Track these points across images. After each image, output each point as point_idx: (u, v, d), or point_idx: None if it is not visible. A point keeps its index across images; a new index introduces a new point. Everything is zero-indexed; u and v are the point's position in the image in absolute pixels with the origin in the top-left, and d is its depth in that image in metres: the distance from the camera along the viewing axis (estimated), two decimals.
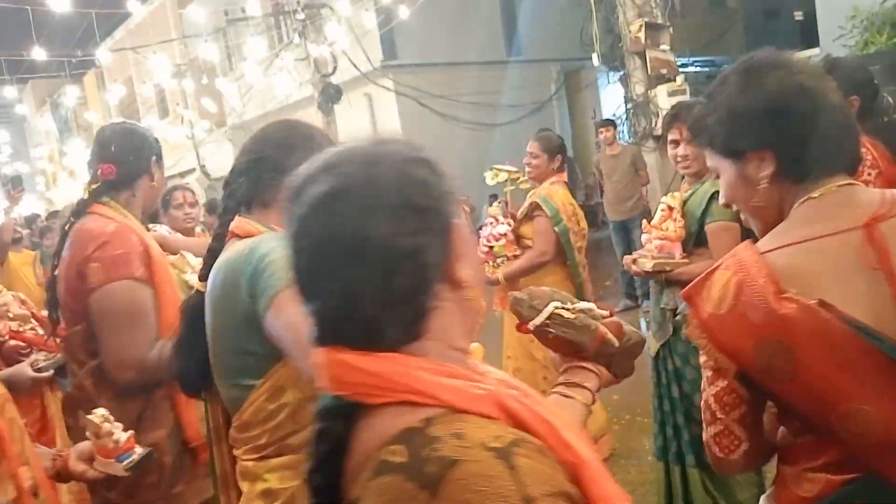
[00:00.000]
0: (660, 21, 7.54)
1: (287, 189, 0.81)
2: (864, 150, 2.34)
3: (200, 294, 1.48)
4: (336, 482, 0.75)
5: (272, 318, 1.28)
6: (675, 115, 2.76)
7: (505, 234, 3.61)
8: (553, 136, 3.78)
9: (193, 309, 1.49)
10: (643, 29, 7.33)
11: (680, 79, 7.64)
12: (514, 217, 3.68)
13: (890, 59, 5.38)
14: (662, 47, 7.56)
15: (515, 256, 3.62)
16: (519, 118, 12.95)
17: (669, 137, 2.76)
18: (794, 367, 1.02)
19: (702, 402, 1.17)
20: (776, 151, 1.13)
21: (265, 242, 1.36)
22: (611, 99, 13.00)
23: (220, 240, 1.49)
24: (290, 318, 1.24)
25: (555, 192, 3.60)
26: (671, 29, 7.68)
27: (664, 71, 7.49)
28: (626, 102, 7.84)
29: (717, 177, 1.28)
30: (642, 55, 7.45)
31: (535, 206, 3.60)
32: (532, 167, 3.67)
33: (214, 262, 1.47)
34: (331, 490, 0.76)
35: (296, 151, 1.43)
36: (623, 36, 7.56)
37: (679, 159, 2.72)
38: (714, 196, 2.61)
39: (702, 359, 1.14)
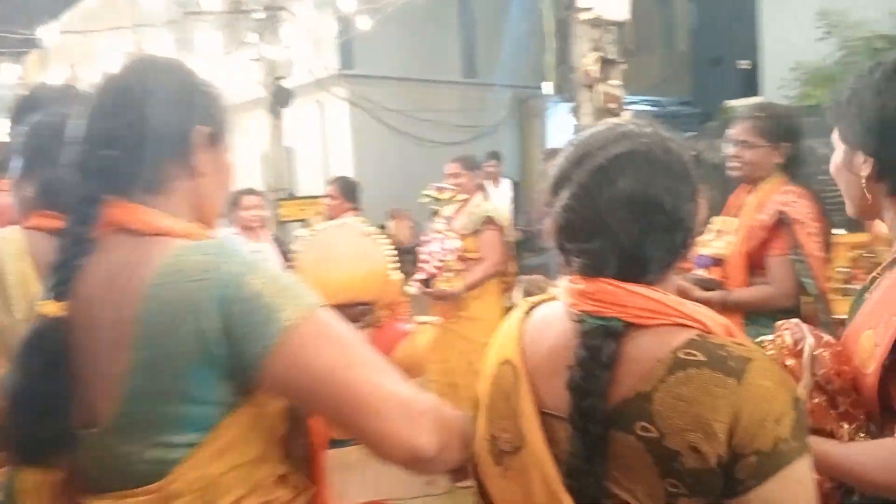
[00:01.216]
0: (613, 57, 7.73)
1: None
2: (804, 200, 2.39)
3: (54, 321, 1.00)
4: (600, 387, 0.92)
5: (288, 363, 0.96)
6: (554, 151, 2.85)
7: (457, 249, 3.71)
8: (473, 157, 4.27)
9: (47, 342, 1.00)
10: (597, 63, 7.50)
11: (626, 115, 7.83)
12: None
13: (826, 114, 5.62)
14: (613, 82, 7.73)
15: (460, 271, 3.73)
16: (470, 139, 13.02)
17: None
18: None
19: None
20: (879, 161, 1.19)
21: (226, 256, 0.99)
22: (560, 128, 13.21)
23: (80, 242, 1.03)
24: (331, 356, 0.97)
25: (499, 207, 3.86)
26: (625, 65, 7.88)
27: (612, 106, 7.66)
28: (575, 133, 7.98)
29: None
30: (593, 88, 7.62)
31: (488, 220, 3.81)
32: (458, 186, 3.92)
33: (72, 273, 1.02)
34: (596, 394, 0.92)
35: (186, 108, 1.08)
36: (576, 68, 7.71)
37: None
38: None
39: None
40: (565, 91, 8.07)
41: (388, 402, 0.96)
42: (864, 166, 1.20)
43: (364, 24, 8.82)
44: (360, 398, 0.96)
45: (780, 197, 2.40)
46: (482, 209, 3.88)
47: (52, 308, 1.00)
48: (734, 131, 2.52)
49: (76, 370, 1.01)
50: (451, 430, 1.03)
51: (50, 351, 0.99)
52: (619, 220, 0.94)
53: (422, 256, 3.76)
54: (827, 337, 1.22)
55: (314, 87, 11.15)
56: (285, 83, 10.04)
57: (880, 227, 2.09)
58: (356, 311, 1.34)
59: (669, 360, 0.90)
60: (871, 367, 1.13)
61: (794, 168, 2.49)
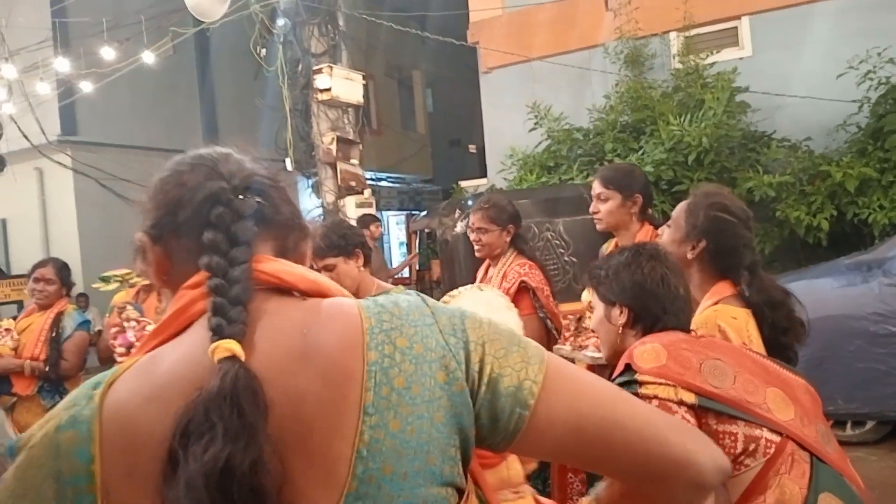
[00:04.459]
0: (351, 137, 7.99)
1: None
2: (535, 270, 3.05)
3: (243, 365, 0.81)
4: None
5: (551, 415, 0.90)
6: None
7: None
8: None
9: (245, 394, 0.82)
10: (335, 142, 7.70)
11: (368, 192, 8.10)
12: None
13: (537, 195, 6.27)
14: (352, 161, 7.98)
15: None
16: None
17: None
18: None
19: None
20: (634, 312, 1.69)
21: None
22: (309, 203, 13.31)
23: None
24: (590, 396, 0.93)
25: None
26: (361, 146, 8.17)
27: (353, 183, 7.89)
28: (322, 208, 8.05)
29: None
30: (334, 166, 7.79)
31: None
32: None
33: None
34: None
35: None
36: (316, 146, 7.85)
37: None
38: None
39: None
40: (307, 168, 8.14)
41: (672, 425, 0.87)
42: (621, 317, 1.71)
43: (86, 87, 8.25)
44: (644, 427, 0.85)
45: (518, 269, 3.09)
46: None
47: (233, 347, 0.75)
48: (471, 221, 3.22)
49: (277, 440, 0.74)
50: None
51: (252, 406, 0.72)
52: None
53: (118, 350, 3.41)
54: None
55: (31, 153, 10.13)
56: None
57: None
58: None
59: None
60: None
61: (522, 243, 3.23)
